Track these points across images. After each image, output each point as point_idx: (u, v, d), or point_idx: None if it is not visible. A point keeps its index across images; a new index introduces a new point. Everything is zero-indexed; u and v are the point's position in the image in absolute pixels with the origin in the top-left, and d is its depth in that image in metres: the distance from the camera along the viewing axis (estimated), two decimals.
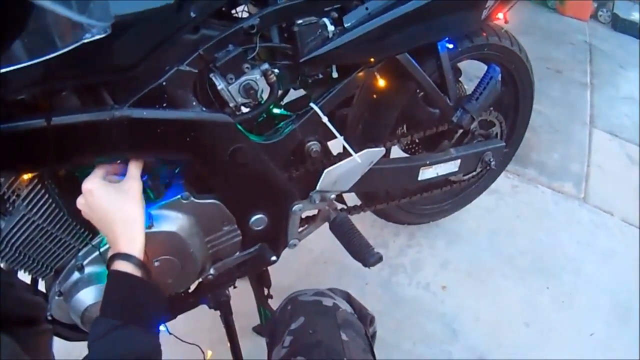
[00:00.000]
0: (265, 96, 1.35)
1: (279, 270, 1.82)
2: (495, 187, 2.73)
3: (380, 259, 1.55)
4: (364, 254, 1.56)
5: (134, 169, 1.17)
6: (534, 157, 3.31)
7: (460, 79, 2.10)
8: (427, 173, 1.86)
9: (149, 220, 1.24)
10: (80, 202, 1.13)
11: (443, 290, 2.40)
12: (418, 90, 1.82)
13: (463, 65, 2.02)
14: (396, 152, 2.11)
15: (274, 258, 1.61)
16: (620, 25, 5.62)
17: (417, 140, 1.96)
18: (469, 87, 2.14)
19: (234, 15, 1.40)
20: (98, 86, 1.13)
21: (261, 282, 1.89)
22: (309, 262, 2.41)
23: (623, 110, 4.08)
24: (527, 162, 3.25)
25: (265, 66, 1.30)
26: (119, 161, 1.19)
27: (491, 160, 2.01)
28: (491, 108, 2.07)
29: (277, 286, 1.90)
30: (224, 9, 1.35)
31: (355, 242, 1.58)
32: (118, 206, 1.10)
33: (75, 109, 1.10)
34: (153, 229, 1.25)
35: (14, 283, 1.25)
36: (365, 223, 2.49)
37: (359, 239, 1.58)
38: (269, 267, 1.81)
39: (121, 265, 1.05)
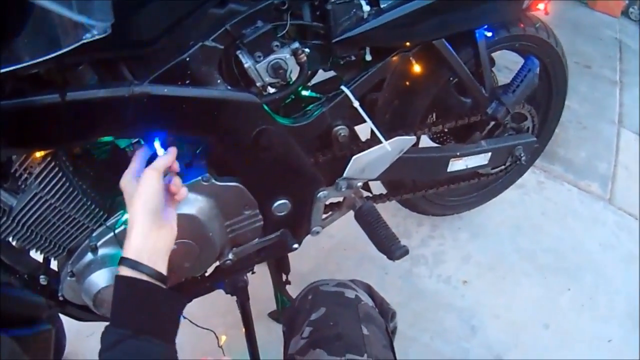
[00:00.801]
0: (293, 76, 1.30)
1: (298, 256, 1.76)
2: (521, 182, 2.67)
3: (407, 252, 1.50)
4: (389, 246, 1.51)
5: (160, 161, 1.09)
6: (561, 154, 3.24)
7: (492, 69, 2.04)
8: (457, 165, 1.81)
9: None
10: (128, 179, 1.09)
11: (464, 284, 2.35)
12: (451, 78, 1.75)
13: (494, 55, 1.95)
14: (424, 141, 2.05)
15: (295, 245, 1.57)
16: None
17: (446, 130, 1.89)
18: (499, 78, 2.09)
19: None
20: (117, 61, 1.09)
21: (280, 268, 1.84)
22: (329, 248, 2.36)
23: None
24: (554, 158, 3.18)
25: (296, 45, 1.25)
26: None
27: (522, 154, 1.94)
28: (524, 101, 2.01)
29: (295, 272, 1.86)
30: None
31: (381, 233, 1.53)
32: (128, 204, 1.05)
33: (92, 84, 1.05)
34: None
35: (14, 283, 1.20)
36: (388, 212, 2.44)
37: (385, 230, 1.53)
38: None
39: (125, 271, 0.98)
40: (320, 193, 1.52)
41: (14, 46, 0.88)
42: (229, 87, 1.21)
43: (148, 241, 1.01)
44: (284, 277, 1.86)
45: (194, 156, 1.31)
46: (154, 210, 1.03)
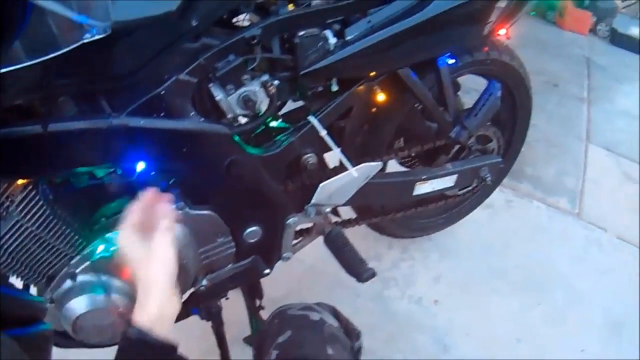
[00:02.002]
0: (264, 107, 1.34)
1: (271, 282, 1.79)
2: (489, 202, 2.71)
3: (374, 274, 1.54)
4: (357, 269, 1.56)
5: (168, 220, 1.04)
6: (529, 172, 3.30)
7: (458, 93, 2.09)
8: (423, 188, 1.85)
9: None
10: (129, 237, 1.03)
11: (435, 304, 2.38)
12: (416, 105, 1.80)
13: (461, 78, 2.01)
14: (393, 165, 2.09)
15: (267, 271, 1.63)
16: (618, 40, 5.63)
17: (413, 155, 1.94)
18: (465, 100, 2.15)
19: (236, 24, 1.38)
20: (96, 93, 1.12)
21: (253, 294, 1.86)
22: (301, 273, 2.38)
23: (619, 125, 4.08)
24: (522, 176, 3.24)
25: (265, 77, 1.30)
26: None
27: (487, 175, 1.99)
28: (489, 123, 2.06)
29: (269, 298, 1.88)
30: (225, 17, 1.33)
31: (349, 257, 1.58)
32: (137, 267, 0.99)
33: (73, 115, 1.10)
34: None
35: (60, 247, 1.23)
36: (358, 235, 2.42)
37: (353, 254, 1.58)
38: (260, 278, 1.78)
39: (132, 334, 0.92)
40: (290, 220, 1.56)
41: (14, 46, 0.90)
42: (202, 119, 1.25)
43: (165, 311, 0.96)
44: (258, 302, 1.88)
45: (168, 185, 1.34)
46: (171, 279, 0.98)
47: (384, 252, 2.57)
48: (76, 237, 1.24)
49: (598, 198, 3.26)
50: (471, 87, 2.27)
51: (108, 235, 1.24)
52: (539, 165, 3.39)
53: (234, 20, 1.38)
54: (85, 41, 0.95)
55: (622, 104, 4.41)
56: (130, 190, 1.29)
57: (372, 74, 1.50)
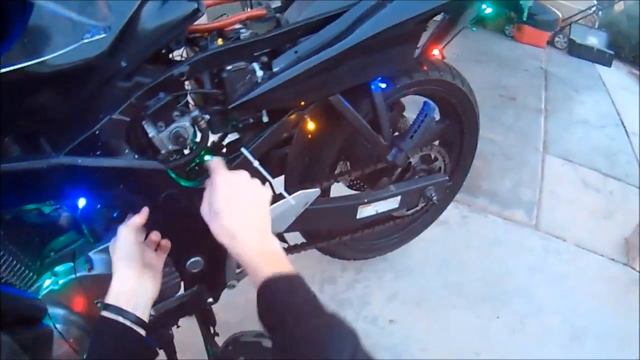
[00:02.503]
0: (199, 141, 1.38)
1: (226, 308, 1.82)
2: (444, 218, 2.73)
3: None
4: None
5: (133, 220, 1.25)
6: (485, 186, 3.34)
7: (404, 113, 2.12)
8: (366, 211, 1.88)
9: (89, 263, 1.29)
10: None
11: (390, 323, 2.38)
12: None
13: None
14: (340, 188, 2.13)
15: (210, 300, 1.65)
16: (576, 50, 5.75)
17: (358, 177, 1.97)
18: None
19: (172, 58, 1.41)
20: (36, 134, 1.14)
21: (205, 321, 1.88)
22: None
23: (577, 134, 4.17)
24: (477, 191, 3.28)
25: (195, 113, 1.32)
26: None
27: (433, 195, 2.02)
28: (434, 142, 2.10)
29: (224, 323, 1.89)
30: (163, 51, 1.35)
31: None
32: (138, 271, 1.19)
33: (15, 156, 1.12)
34: (92, 272, 1.29)
35: (13, 282, 1.24)
36: (313, 258, 2.48)
37: None
38: (216, 304, 1.79)
39: (106, 314, 1.07)
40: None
41: (14, 46, 0.92)
42: (136, 156, 1.27)
43: (125, 286, 1.13)
44: (212, 329, 1.90)
45: (111, 219, 1.37)
46: (130, 260, 1.17)
47: (338, 274, 2.58)
48: (26, 271, 1.26)
49: (556, 208, 3.33)
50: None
51: (57, 268, 1.29)
52: (495, 179, 3.44)
53: (170, 55, 1.40)
54: (85, 41, 0.99)
55: (579, 113, 4.50)
56: (78, 224, 1.38)
57: (302, 103, 1.52)
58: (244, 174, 1.15)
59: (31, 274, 1.27)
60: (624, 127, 4.54)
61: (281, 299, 0.96)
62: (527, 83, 4.75)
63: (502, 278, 2.71)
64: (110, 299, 1.09)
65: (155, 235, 1.31)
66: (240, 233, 1.05)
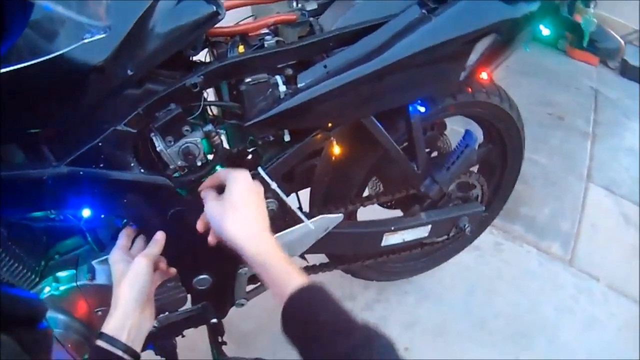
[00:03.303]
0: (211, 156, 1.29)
1: (242, 314, 1.76)
2: (477, 244, 2.59)
3: None
4: None
5: (152, 247, 1.24)
6: (523, 212, 3.17)
7: (445, 132, 1.98)
8: (392, 239, 1.76)
9: (91, 272, 1.28)
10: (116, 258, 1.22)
11: (405, 351, 2.26)
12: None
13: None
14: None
15: (214, 320, 1.58)
16: (629, 72, 5.52)
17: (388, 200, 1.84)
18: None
19: (193, 61, 1.28)
20: (38, 141, 1.09)
21: (214, 329, 1.80)
22: (274, 308, 2.27)
23: (623, 164, 3.96)
24: (515, 217, 3.11)
25: (209, 127, 1.22)
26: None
27: (467, 225, 1.88)
28: (473, 169, 1.95)
29: (238, 331, 1.85)
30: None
31: None
32: (116, 282, 1.16)
33: (18, 163, 1.11)
34: (94, 282, 1.28)
35: (14, 283, 1.26)
36: (335, 273, 2.34)
37: None
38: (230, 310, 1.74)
39: (103, 344, 1.06)
40: (242, 270, 1.50)
41: (14, 46, 0.90)
42: (142, 170, 1.20)
43: (129, 320, 1.11)
44: (219, 338, 1.82)
45: (117, 229, 1.34)
46: (141, 293, 1.14)
47: (359, 291, 2.47)
48: (29, 273, 1.27)
49: (593, 243, 3.12)
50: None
51: (59, 274, 1.29)
52: (535, 206, 3.26)
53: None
54: (85, 41, 0.95)
55: (628, 140, 4.28)
56: (83, 230, 1.35)
57: (329, 125, 1.38)
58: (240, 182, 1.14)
59: (33, 276, 1.28)
60: None
61: (310, 314, 0.97)
62: (576, 102, 4.53)
63: (529, 315, 2.55)
64: (112, 330, 1.08)
65: (163, 264, 1.30)
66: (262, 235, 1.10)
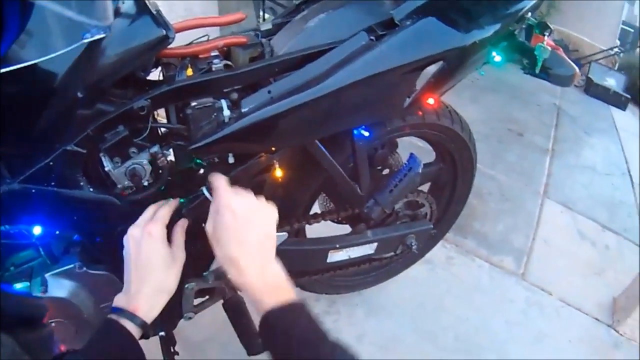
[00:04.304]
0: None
1: (193, 324, 1.74)
2: (429, 257, 2.62)
3: (261, 351, 1.50)
4: (248, 341, 1.52)
5: (180, 239, 1.22)
6: (476, 227, 3.23)
7: (396, 151, 2.01)
8: (338, 256, 1.78)
9: (44, 285, 1.27)
10: (133, 233, 1.15)
11: None
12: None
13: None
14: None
15: (162, 333, 1.60)
16: (593, 90, 5.64)
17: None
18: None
19: (146, 80, 1.31)
20: None
21: (166, 340, 1.82)
22: (222, 319, 2.29)
23: (580, 181, 4.05)
24: (468, 231, 3.16)
25: (155, 149, 1.24)
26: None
27: (413, 243, 1.92)
28: (422, 188, 2.00)
29: (189, 340, 1.84)
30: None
31: (243, 327, 1.54)
32: (162, 270, 1.13)
33: None
34: (47, 294, 1.28)
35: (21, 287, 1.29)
36: None
37: (247, 326, 1.54)
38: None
39: (126, 323, 1.05)
40: (188, 284, 1.51)
41: (14, 46, 0.92)
42: (91, 189, 1.23)
43: (160, 301, 1.14)
44: (171, 348, 1.84)
45: (70, 243, 1.36)
46: (167, 266, 1.14)
47: (310, 303, 2.40)
48: None
49: (547, 258, 3.21)
50: None
51: (14, 286, 1.29)
52: (488, 221, 3.32)
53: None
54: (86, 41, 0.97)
55: (587, 157, 4.38)
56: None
57: (273, 149, 1.41)
58: (248, 197, 1.13)
59: None
60: (630, 177, 4.42)
61: (283, 329, 0.99)
62: (537, 119, 4.62)
63: (478, 330, 2.59)
64: (148, 318, 1.10)
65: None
66: (242, 264, 1.05)
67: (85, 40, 0.97)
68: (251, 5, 3.76)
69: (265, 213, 1.13)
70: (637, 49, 7.11)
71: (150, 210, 1.20)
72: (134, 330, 1.05)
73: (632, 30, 8.13)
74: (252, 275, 1.05)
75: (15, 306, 0.90)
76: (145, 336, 1.35)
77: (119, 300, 1.10)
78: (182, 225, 1.25)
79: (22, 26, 0.93)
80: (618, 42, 6.69)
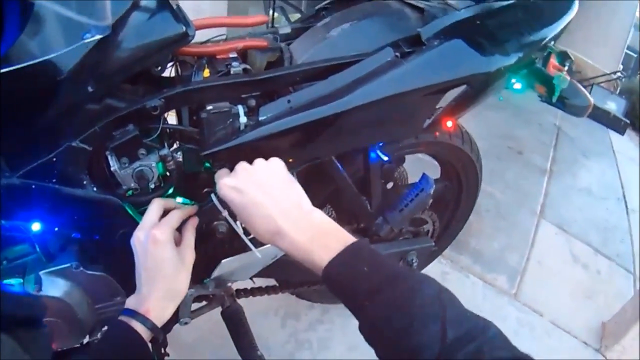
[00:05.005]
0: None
1: (185, 326, 1.70)
2: (425, 271, 2.54)
3: None
4: (245, 350, 1.49)
5: (190, 238, 1.20)
6: (472, 244, 3.21)
7: (402, 165, 1.98)
8: None
9: (38, 283, 1.22)
10: (138, 236, 1.12)
11: None
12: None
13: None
14: None
15: (160, 336, 1.53)
16: (593, 112, 5.59)
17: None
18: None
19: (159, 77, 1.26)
20: None
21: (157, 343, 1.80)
22: (218, 321, 2.28)
23: (577, 203, 4.04)
24: (463, 248, 3.15)
25: (165, 152, 1.21)
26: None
27: (414, 260, 1.89)
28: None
29: (181, 341, 1.84)
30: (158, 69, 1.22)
31: (241, 336, 1.52)
32: (172, 274, 1.12)
33: None
34: (41, 293, 1.23)
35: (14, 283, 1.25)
36: None
37: (245, 335, 1.53)
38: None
39: (137, 325, 1.05)
40: (187, 291, 1.47)
41: (14, 46, 0.90)
42: (95, 189, 1.18)
43: (170, 309, 1.15)
44: (162, 349, 1.81)
45: (67, 241, 1.30)
46: (178, 270, 1.13)
47: (303, 311, 2.47)
48: None
49: (540, 279, 3.19)
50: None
51: (6, 281, 1.25)
52: (484, 238, 3.30)
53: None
54: (86, 41, 0.95)
55: (584, 180, 4.37)
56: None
57: (290, 161, 1.36)
58: (243, 170, 1.08)
59: None
60: (625, 202, 4.40)
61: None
62: (537, 138, 4.62)
63: None
64: (159, 321, 1.11)
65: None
66: (280, 229, 0.97)
67: (86, 40, 0.95)
68: (261, 4, 3.73)
69: (268, 168, 1.07)
70: (638, 75, 7.13)
71: (154, 207, 1.16)
72: (144, 333, 1.05)
73: (635, 56, 8.14)
74: (298, 237, 0.96)
75: (15, 306, 0.87)
76: (156, 340, 1.34)
77: (130, 302, 1.10)
78: (192, 224, 1.23)
79: (22, 26, 0.91)
80: (621, 67, 6.71)
